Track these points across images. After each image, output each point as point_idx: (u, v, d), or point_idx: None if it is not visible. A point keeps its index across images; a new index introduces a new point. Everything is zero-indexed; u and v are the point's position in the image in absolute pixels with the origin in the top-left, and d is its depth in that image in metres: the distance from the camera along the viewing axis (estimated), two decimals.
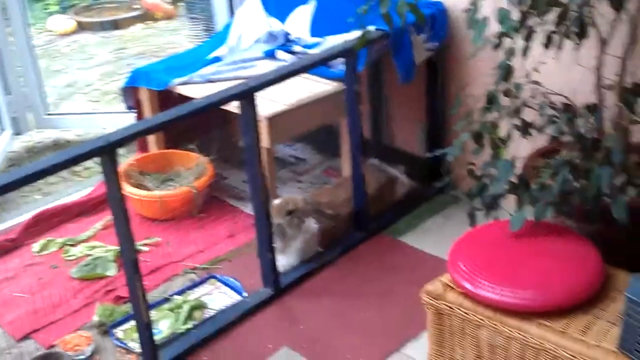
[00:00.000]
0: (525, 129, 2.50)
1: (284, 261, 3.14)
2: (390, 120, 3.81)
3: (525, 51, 2.41)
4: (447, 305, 2.32)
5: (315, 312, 2.95)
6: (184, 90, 3.42)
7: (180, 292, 3.06)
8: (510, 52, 2.42)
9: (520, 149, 2.60)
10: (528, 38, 2.41)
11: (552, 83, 2.58)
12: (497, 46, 2.43)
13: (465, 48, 3.34)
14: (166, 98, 3.49)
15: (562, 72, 2.78)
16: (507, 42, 2.42)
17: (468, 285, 2.27)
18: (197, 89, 3.37)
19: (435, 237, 3.31)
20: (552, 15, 2.39)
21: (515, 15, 2.40)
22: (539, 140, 2.63)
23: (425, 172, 3.59)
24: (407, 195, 3.61)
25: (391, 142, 3.85)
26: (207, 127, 3.99)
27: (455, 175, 2.92)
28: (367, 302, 2.98)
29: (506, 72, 2.46)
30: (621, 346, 2.02)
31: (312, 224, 3.19)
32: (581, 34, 2.38)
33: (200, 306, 2.98)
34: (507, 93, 2.48)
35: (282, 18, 3.76)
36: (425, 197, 3.60)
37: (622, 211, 2.23)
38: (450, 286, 2.34)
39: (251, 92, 2.77)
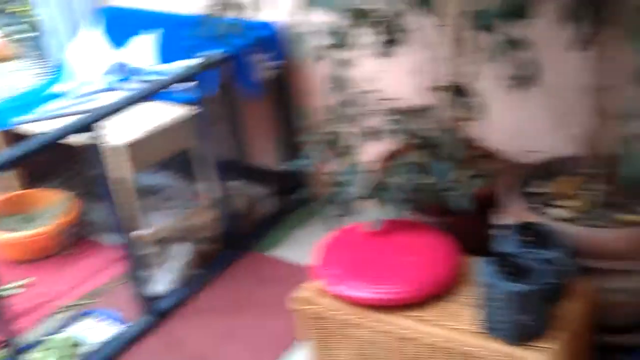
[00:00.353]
0: (367, 134, 2.59)
1: (162, 287, 3.16)
2: (249, 139, 3.88)
3: (351, 62, 2.49)
4: (318, 310, 2.38)
5: (199, 332, 2.98)
6: (27, 129, 3.36)
7: (58, 330, 3.03)
8: (340, 63, 2.51)
9: (372, 153, 2.73)
10: (354, 49, 2.49)
11: (390, 88, 2.68)
12: (320, 58, 2.50)
13: (305, 63, 3.45)
14: (20, 138, 3.42)
15: (397, 77, 2.91)
16: (336, 53, 2.49)
17: (336, 288, 2.35)
18: (40, 126, 3.29)
19: (302, 247, 3.36)
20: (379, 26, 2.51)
21: (343, 28, 2.47)
22: (391, 144, 2.74)
23: (286, 187, 3.68)
24: (272, 211, 3.69)
25: (252, 160, 3.91)
26: (66, 162, 3.93)
27: (314, 186, 3.03)
28: (248, 316, 3.03)
29: (338, 82, 2.55)
30: (484, 327, 2.16)
31: (184, 248, 3.23)
32: (392, 42, 2.50)
33: (79, 342, 2.96)
34: (345, 103, 2.57)
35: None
36: (289, 211, 3.68)
37: (460, 202, 2.40)
38: (319, 291, 2.40)
39: (94, 122, 2.75)
